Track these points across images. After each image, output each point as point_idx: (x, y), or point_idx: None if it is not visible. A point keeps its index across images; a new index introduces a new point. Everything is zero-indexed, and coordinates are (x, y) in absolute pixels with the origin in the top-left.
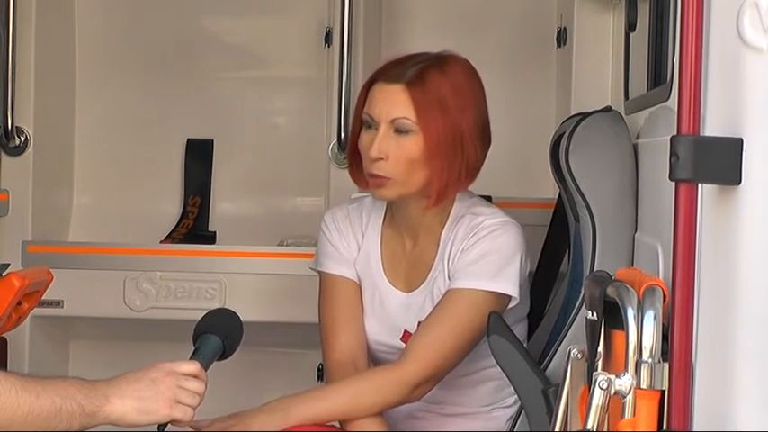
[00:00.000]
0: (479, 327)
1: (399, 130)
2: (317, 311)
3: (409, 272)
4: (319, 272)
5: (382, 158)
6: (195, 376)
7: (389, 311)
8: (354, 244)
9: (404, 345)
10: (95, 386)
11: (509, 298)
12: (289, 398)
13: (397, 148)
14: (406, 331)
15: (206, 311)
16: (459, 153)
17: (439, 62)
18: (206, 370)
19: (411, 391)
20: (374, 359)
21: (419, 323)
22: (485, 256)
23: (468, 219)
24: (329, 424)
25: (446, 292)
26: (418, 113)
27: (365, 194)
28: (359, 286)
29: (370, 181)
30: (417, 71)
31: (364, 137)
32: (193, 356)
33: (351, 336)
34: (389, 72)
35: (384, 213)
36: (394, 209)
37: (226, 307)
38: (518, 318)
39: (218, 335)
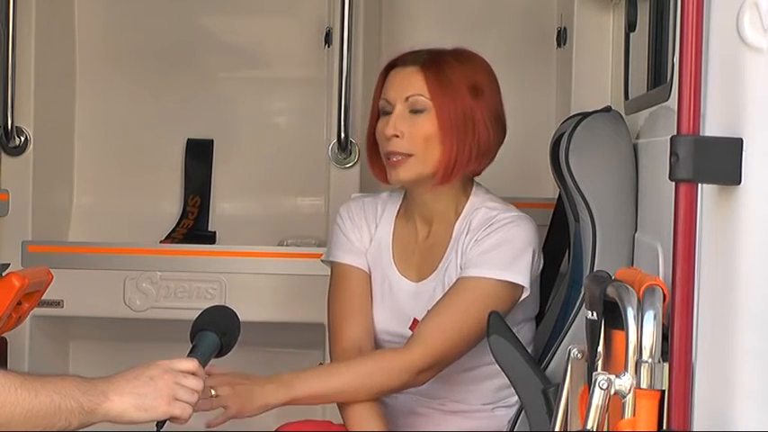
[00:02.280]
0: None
1: (414, 110)
2: (327, 302)
3: (421, 261)
4: (331, 263)
5: (397, 135)
6: (193, 373)
7: (399, 301)
8: (367, 234)
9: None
10: (94, 384)
11: (521, 290)
12: (296, 372)
13: (412, 127)
14: (415, 320)
15: None
16: (471, 133)
17: (454, 52)
18: (204, 367)
19: (416, 376)
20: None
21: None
22: (498, 246)
23: (483, 211)
24: (328, 420)
25: (457, 280)
26: (431, 91)
27: (366, 195)
28: (369, 277)
29: (387, 164)
30: (432, 56)
31: (381, 123)
32: (191, 354)
33: (359, 326)
34: (405, 58)
35: (399, 205)
36: (409, 199)
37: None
38: (527, 316)
39: (215, 332)
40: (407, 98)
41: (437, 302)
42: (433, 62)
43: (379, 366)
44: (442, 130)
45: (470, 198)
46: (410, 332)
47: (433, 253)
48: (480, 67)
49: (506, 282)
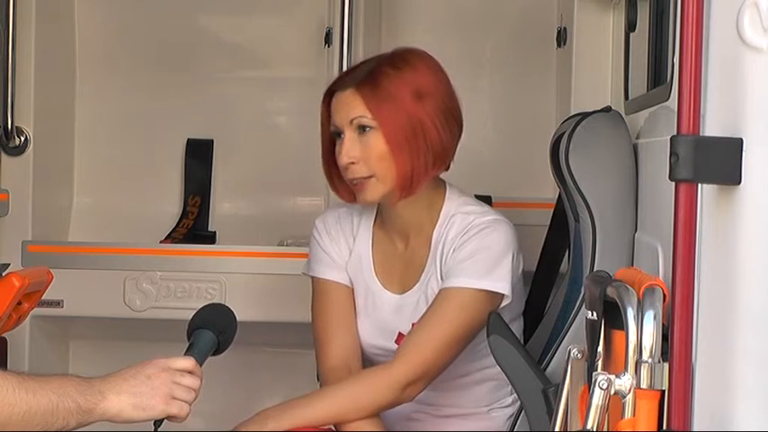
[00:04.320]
0: (471, 325)
1: (361, 130)
2: (311, 317)
3: (403, 273)
4: (311, 277)
5: (353, 162)
6: (190, 372)
7: (382, 314)
8: (345, 247)
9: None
10: (91, 383)
11: (501, 297)
12: (280, 405)
13: (364, 149)
14: (400, 333)
15: None
16: (422, 140)
17: (390, 58)
18: (201, 365)
19: (402, 391)
20: (370, 362)
21: (413, 325)
22: (475, 254)
23: (460, 218)
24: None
25: (439, 291)
26: (372, 110)
27: (341, 205)
28: (351, 290)
29: (353, 188)
30: (366, 71)
31: (337, 148)
32: (188, 352)
33: (344, 341)
34: (342, 80)
35: (375, 215)
36: (384, 210)
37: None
38: (513, 316)
39: (212, 330)
40: (351, 121)
41: (421, 316)
42: (369, 79)
43: (364, 387)
44: (391, 145)
45: (445, 203)
46: (395, 345)
47: (414, 264)
48: (422, 68)
49: (486, 290)
